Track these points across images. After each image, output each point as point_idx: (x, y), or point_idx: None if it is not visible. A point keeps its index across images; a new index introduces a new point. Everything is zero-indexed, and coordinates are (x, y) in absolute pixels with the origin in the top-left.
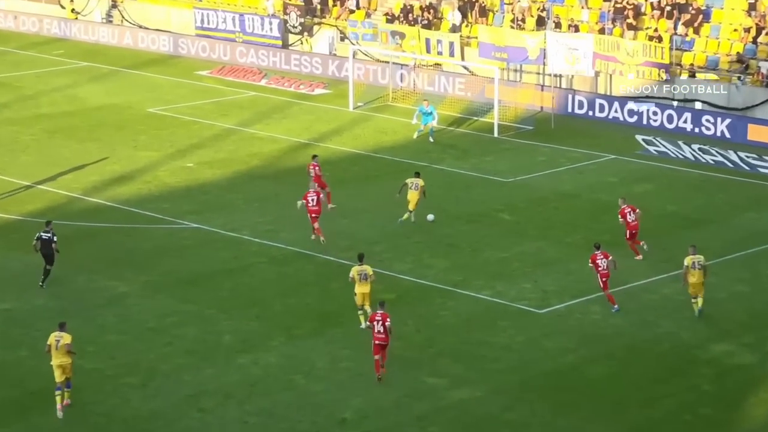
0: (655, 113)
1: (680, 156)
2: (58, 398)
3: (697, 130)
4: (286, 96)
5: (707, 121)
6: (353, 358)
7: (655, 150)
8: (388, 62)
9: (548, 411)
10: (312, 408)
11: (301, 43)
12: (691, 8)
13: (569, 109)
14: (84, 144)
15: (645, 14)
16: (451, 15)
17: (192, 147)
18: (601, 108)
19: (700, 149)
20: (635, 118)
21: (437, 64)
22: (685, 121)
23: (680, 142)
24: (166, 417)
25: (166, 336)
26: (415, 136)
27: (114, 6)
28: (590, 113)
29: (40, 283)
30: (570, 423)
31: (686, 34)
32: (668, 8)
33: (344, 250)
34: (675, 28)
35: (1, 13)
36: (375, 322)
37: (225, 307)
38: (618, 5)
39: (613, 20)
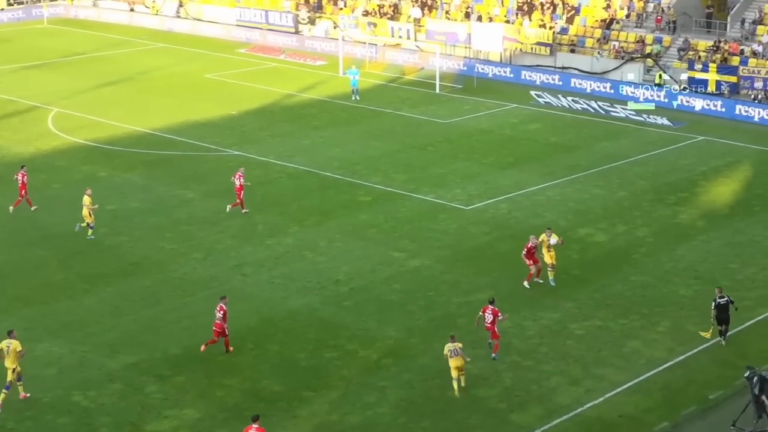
0: (543, 76)
1: (559, 105)
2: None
3: (570, 87)
4: (298, 66)
5: (577, 81)
6: (344, 240)
7: (542, 101)
8: (365, 43)
9: (472, 273)
10: (317, 273)
11: (309, 31)
12: (567, 6)
13: (486, 74)
14: (162, 99)
15: (537, 9)
16: (412, 11)
17: (236, 100)
18: (508, 73)
19: (572, 100)
20: (530, 79)
21: (398, 44)
22: (562, 82)
23: (559, 95)
24: (220, 279)
25: (219, 226)
26: (353, 98)
27: (181, 5)
28: (500, 77)
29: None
30: (487, 281)
31: (566, 23)
32: (549, 6)
33: (337, 168)
34: (556, 19)
35: None
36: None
37: (259, 207)
38: (519, 3)
39: (516, 14)
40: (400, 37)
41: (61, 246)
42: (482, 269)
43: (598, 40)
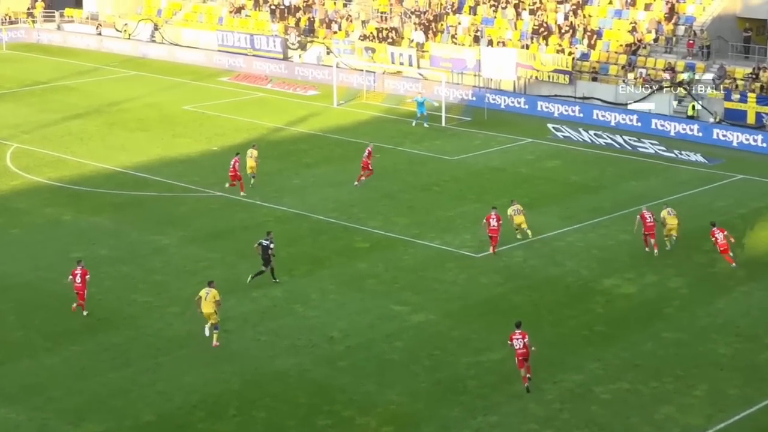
0: (562, 107)
1: (580, 139)
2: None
3: (592, 120)
4: (287, 96)
5: (600, 113)
6: (338, 292)
7: (561, 135)
8: (362, 70)
9: (484, 329)
10: (308, 329)
11: (299, 57)
12: (588, 30)
13: (498, 105)
14: (134, 133)
15: (554, 33)
16: (415, 35)
17: (216, 135)
18: (522, 104)
19: (595, 134)
20: (547, 111)
21: (399, 72)
22: (584, 114)
23: (580, 129)
24: (199, 336)
25: (199, 276)
26: (413, 123)
27: (156, 29)
28: (514, 108)
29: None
30: (500, 338)
31: (588, 47)
32: (567, 29)
33: (331, 211)
34: (576, 44)
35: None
36: (515, 340)
37: (243, 254)
38: (535, 26)
39: (531, 38)
40: (401, 64)
41: (20, 299)
42: (495, 325)
43: (623, 67)
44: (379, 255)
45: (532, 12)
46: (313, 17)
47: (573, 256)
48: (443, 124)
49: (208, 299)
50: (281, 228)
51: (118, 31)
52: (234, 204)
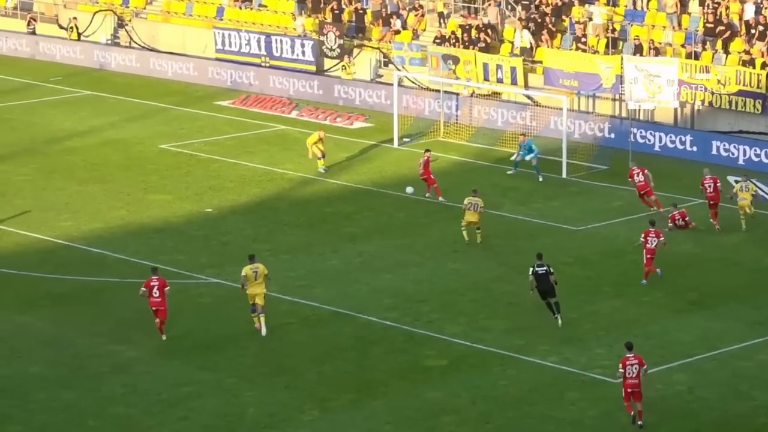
0: (751, 150)
1: None
2: (255, 319)
3: None
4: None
5: None
6: None
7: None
8: (439, 91)
9: None
10: None
11: (344, 68)
12: None
13: (650, 146)
14: (86, 186)
15: (739, 35)
16: (518, 36)
17: (211, 189)
18: (688, 144)
19: None
20: (727, 156)
21: (496, 93)
22: None
23: None
24: None
25: (181, 409)
26: (509, 172)
27: (121, 26)
28: (675, 151)
29: (555, 316)
30: None
31: None
32: (761, 28)
33: (388, 309)
34: None
35: None
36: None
37: (249, 376)
38: (708, 23)
39: (704, 41)
40: (500, 81)
41: None
42: None
43: None
44: (461, 378)
45: (704, 2)
46: (362, 9)
47: (767, 383)
48: (564, 175)
49: (258, 279)
50: (309, 335)
51: (62, 28)
52: (235, 297)
